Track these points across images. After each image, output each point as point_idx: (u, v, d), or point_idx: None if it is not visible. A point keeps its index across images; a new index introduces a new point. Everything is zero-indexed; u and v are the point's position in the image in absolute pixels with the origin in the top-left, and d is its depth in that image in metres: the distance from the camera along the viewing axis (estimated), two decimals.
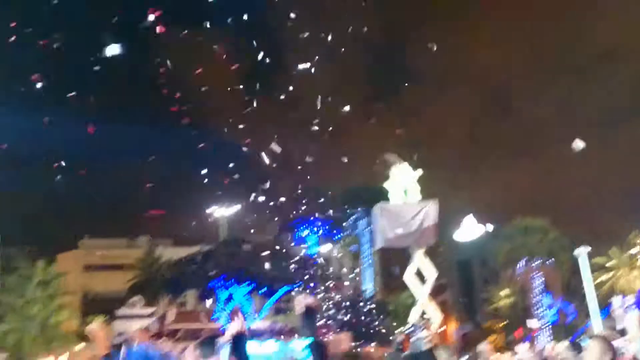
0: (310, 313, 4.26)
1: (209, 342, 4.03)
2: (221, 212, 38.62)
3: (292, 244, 37.60)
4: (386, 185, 17.88)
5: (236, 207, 37.44)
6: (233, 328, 4.09)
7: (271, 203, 35.94)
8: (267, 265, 32.99)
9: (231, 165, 28.08)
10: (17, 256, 30.00)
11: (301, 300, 4.36)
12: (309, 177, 36.85)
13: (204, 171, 28.06)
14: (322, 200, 38.73)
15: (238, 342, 3.81)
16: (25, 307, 28.57)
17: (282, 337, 27.69)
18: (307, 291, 34.51)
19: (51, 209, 41.76)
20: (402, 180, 17.48)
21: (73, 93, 21.22)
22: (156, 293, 34.93)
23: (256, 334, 28.18)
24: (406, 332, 8.58)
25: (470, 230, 28.72)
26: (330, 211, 39.12)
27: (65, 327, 30.86)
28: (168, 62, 21.79)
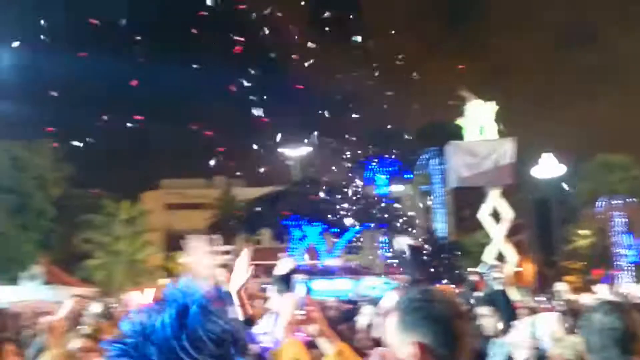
0: (414, 253, 4.28)
1: (285, 277, 4.03)
2: (293, 152, 39.01)
3: (363, 184, 37.62)
4: (461, 122, 17.35)
5: (307, 148, 37.66)
6: (287, 264, 4.10)
7: (342, 143, 35.93)
8: (338, 205, 33.31)
9: (302, 104, 28.09)
10: (104, 196, 31.78)
11: (402, 241, 4.36)
12: (380, 115, 36.37)
13: (274, 111, 28.22)
14: (394, 138, 38.24)
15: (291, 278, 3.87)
16: (113, 243, 30.40)
17: (354, 275, 28.16)
18: (379, 231, 34.75)
19: (134, 152, 43.58)
20: (478, 117, 16.87)
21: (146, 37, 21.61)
22: (233, 231, 36.22)
23: (329, 272, 28.80)
24: (479, 271, 8.45)
25: (548, 167, 27.64)
26: (402, 150, 38.65)
27: (150, 262, 32.75)
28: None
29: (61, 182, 28.49)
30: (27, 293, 21.32)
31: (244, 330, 3.04)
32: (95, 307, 4.56)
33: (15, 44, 21.53)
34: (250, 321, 3.04)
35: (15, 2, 23.09)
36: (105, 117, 25.55)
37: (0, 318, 5.04)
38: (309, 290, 2.76)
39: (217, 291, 1.34)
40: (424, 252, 29.61)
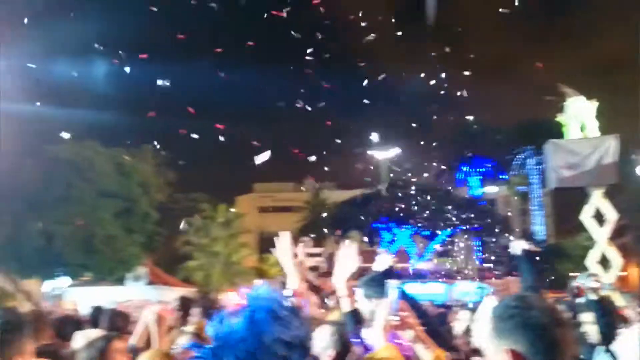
0: (529, 258, 4.10)
1: (376, 281, 3.83)
2: (382, 154, 38.82)
3: (456, 186, 36.78)
4: (560, 119, 16.61)
5: (397, 149, 37.36)
6: (386, 260, 3.90)
7: (433, 143, 35.33)
8: (429, 208, 32.77)
9: (392, 105, 27.88)
10: (202, 200, 33.17)
11: (519, 245, 4.21)
12: (473, 113, 35.43)
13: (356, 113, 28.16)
14: (487, 137, 37.11)
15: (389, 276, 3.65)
16: (211, 245, 31.62)
17: (447, 279, 27.62)
18: (472, 233, 33.81)
19: (228, 158, 45.17)
20: (578, 114, 16.06)
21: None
22: (323, 233, 36.60)
23: (420, 276, 28.43)
24: (578, 279, 8.04)
25: None
26: (496, 149, 37.42)
27: (245, 263, 33.78)
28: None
29: (164, 187, 29.98)
30: (132, 293, 22.59)
31: (346, 329, 3.02)
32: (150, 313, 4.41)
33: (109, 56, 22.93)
34: (357, 314, 2.97)
35: (115, 17, 24.64)
36: (200, 125, 26.59)
37: (111, 317, 5.38)
38: (403, 295, 2.65)
39: (285, 296, 1.39)
40: (540, 257, 28.43)
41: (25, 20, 19.06)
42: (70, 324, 5.21)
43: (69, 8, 22.21)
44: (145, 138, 28.26)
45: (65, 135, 21.12)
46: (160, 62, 23.81)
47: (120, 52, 19.00)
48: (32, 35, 20.54)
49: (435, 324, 3.16)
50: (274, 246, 3.15)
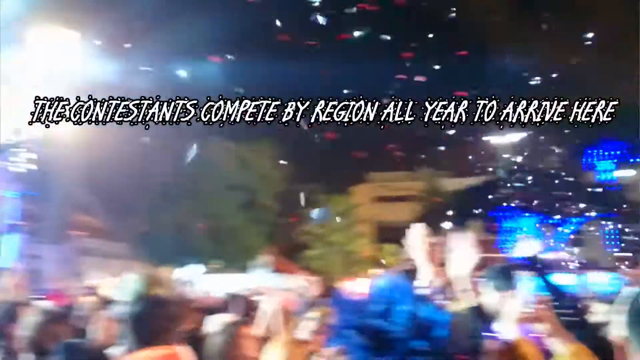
0: None
1: (505, 272, 3.64)
2: (503, 139, 37.24)
3: (584, 170, 34.50)
4: None
5: (519, 134, 35.66)
6: (532, 247, 3.68)
7: (559, 126, 33.32)
8: (557, 193, 31.06)
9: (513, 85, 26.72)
10: (319, 191, 33.84)
11: None
12: (602, 94, 32.98)
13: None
14: (619, 118, 34.34)
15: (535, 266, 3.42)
16: (327, 235, 32.23)
17: (578, 269, 26.05)
18: (605, 221, 31.61)
19: (342, 149, 45.47)
20: None
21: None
22: (440, 223, 35.89)
23: (549, 266, 27.04)
24: None
25: None
26: (629, 131, 34.54)
27: (362, 253, 34.05)
28: None
29: (282, 180, 30.95)
30: (257, 280, 23.49)
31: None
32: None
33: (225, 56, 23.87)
34: (481, 309, 2.82)
35: (219, 18, 25.62)
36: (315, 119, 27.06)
37: (241, 303, 5.64)
38: (543, 284, 2.50)
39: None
40: None
41: (143, 24, 20.42)
42: (202, 310, 5.51)
43: (174, 12, 23.49)
44: (264, 132, 29.26)
45: (145, 138, 22.06)
46: (268, 60, 24.54)
47: (230, 52, 19.84)
48: (149, 38, 21.90)
49: (580, 315, 2.97)
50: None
